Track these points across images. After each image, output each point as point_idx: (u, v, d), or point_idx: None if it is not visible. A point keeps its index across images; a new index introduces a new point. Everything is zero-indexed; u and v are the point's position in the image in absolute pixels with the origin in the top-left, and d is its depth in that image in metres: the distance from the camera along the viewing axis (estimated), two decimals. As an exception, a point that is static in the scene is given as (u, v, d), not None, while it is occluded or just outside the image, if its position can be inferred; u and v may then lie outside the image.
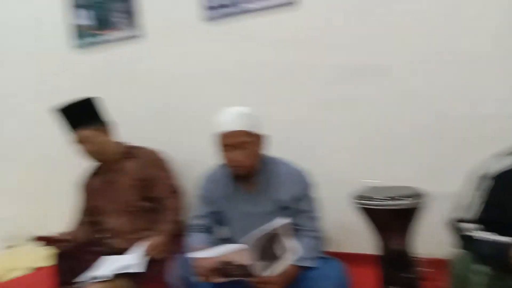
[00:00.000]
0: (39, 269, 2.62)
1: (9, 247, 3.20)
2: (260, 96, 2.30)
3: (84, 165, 2.27)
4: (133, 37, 2.67)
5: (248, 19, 2.33)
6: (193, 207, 1.88)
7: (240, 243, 1.47)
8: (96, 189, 2.22)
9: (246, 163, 1.64)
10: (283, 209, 1.65)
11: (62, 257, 2.11)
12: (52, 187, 3.14)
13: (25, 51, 3.16)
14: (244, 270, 1.41)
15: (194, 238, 1.73)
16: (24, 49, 3.17)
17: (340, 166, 2.20)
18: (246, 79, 2.37)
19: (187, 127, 2.57)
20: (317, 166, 1.92)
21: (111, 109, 2.31)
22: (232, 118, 1.62)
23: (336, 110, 2.19)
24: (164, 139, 2.54)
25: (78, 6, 2.85)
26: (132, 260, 1.91)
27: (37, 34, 3.08)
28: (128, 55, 2.71)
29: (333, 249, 1.99)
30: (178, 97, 2.58)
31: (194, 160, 2.47)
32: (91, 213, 2.24)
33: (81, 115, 2.10)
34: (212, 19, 2.41)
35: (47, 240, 2.03)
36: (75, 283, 2.00)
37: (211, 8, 2.40)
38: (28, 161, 3.27)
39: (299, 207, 1.67)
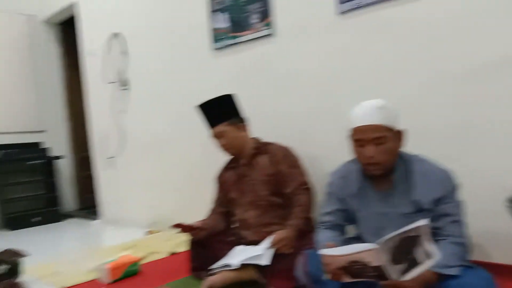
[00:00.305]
0: (176, 254, 2.82)
1: (152, 232, 3.53)
2: (398, 91, 2.16)
3: (221, 159, 2.40)
4: (268, 36, 2.72)
5: (382, 9, 2.21)
6: (322, 203, 1.83)
7: (371, 243, 1.37)
8: (230, 182, 2.32)
9: (381, 159, 1.53)
10: (422, 211, 1.52)
11: (196, 244, 2.24)
12: (193, 179, 3.37)
13: (171, 52, 3.47)
14: (376, 271, 1.32)
15: (322, 235, 1.69)
16: (171, 50, 3.47)
17: (492, 166, 1.94)
18: (382, 73, 2.24)
19: (319, 123, 2.53)
20: (463, 165, 1.74)
21: (246, 106, 2.40)
22: (367, 112, 1.54)
23: (486, 107, 1.94)
24: (295, 135, 2.56)
25: (215, 10, 3.02)
26: (260, 252, 1.95)
27: (182, 38, 3.35)
28: (263, 54, 2.79)
29: (481, 258, 1.79)
30: (311, 93, 2.56)
31: (325, 157, 2.44)
32: (225, 205, 2.35)
33: (219, 111, 2.23)
34: (345, 12, 2.34)
35: (183, 228, 2.17)
36: (206, 269, 2.11)
37: (345, 0, 2.33)
38: (172, 155, 3.57)
39: (441, 210, 1.51)
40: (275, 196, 2.20)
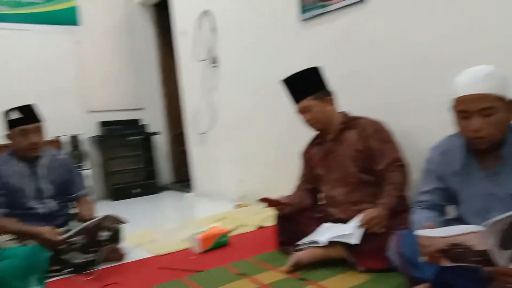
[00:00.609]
0: (264, 228, 2.84)
1: (240, 206, 3.60)
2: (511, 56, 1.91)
3: (307, 134, 2.33)
4: (359, 2, 2.56)
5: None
6: (418, 181, 1.69)
7: (474, 225, 1.23)
8: (316, 158, 2.25)
9: (489, 133, 1.36)
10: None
11: (283, 219, 2.23)
12: (280, 154, 3.37)
13: (257, 27, 3.44)
14: (480, 255, 1.18)
15: (419, 215, 1.56)
16: (257, 24, 3.45)
17: None
18: (492, 36, 1.99)
19: (416, 94, 2.33)
20: None
21: (334, 79, 2.30)
22: (473, 79, 1.36)
23: None
24: (387, 108, 2.40)
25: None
26: (349, 231, 1.87)
27: (269, 12, 3.30)
28: (353, 23, 2.64)
29: None
30: (406, 62, 2.37)
31: (422, 131, 2.26)
32: (311, 181, 2.30)
33: (303, 85, 2.15)
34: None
35: (269, 202, 2.16)
36: (293, 244, 2.09)
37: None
38: (260, 131, 3.59)
39: None
40: (364, 173, 2.10)
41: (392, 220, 1.88)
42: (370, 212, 1.90)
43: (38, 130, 2.31)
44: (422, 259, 1.28)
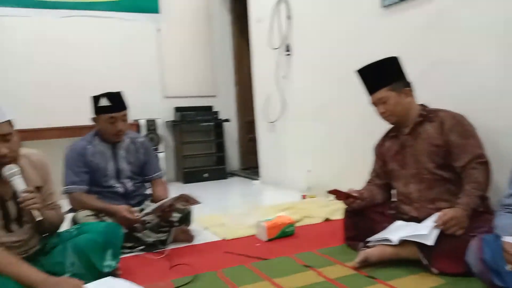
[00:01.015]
0: (330, 221, 2.79)
1: (307, 196, 3.57)
2: None
3: (382, 127, 2.24)
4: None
5: None
6: (503, 183, 1.55)
7: None
8: (391, 153, 2.15)
9: None
10: None
11: (352, 214, 2.16)
12: (351, 147, 3.28)
13: (334, 14, 3.35)
14: None
15: (505, 219, 1.44)
16: (334, 12, 3.35)
17: None
18: None
19: (509, 88, 2.14)
20: None
21: (414, 69, 2.17)
22: None
23: None
24: (473, 101, 2.23)
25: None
26: (424, 230, 1.77)
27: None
28: (439, 9, 2.47)
29: None
30: (500, 55, 2.17)
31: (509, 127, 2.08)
32: (384, 176, 2.20)
33: (378, 76, 2.05)
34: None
35: (339, 194, 2.10)
36: (361, 240, 2.03)
37: None
38: (331, 121, 3.51)
39: None
40: (442, 170, 1.97)
41: (472, 222, 1.75)
42: (448, 212, 1.78)
43: (124, 118, 2.44)
44: (508, 267, 1.18)
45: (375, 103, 2.07)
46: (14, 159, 1.63)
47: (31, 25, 4.50)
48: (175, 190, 2.72)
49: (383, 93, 2.02)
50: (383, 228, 2.00)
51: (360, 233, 2.09)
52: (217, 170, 5.25)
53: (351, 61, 3.06)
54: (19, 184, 1.61)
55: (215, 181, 5.11)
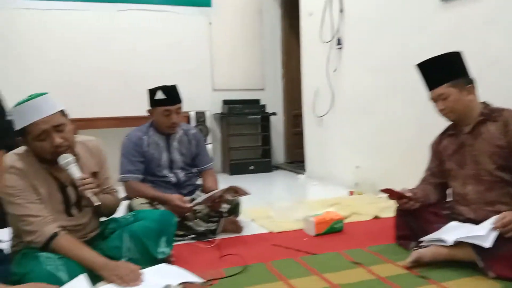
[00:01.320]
0: (380, 218, 2.75)
1: (354, 193, 3.53)
2: None
3: (438, 124, 2.17)
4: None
5: None
6: None
7: None
8: (448, 151, 2.08)
9: None
10: None
11: (404, 213, 2.12)
12: (403, 144, 3.21)
13: (388, 7, 3.27)
14: None
15: None
16: (389, 5, 3.27)
17: None
18: None
19: None
20: None
21: (475, 65, 2.09)
22: None
23: None
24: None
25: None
26: (481, 232, 1.72)
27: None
28: (491, 5, 2.36)
29: None
30: None
31: None
32: (440, 175, 2.14)
33: (440, 71, 1.98)
34: None
35: (391, 194, 2.07)
36: (413, 239, 1.99)
37: None
38: (383, 116, 3.45)
39: None
40: (503, 172, 1.89)
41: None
42: (509, 215, 1.71)
43: (178, 111, 2.51)
44: None
45: (435, 99, 2.01)
46: (69, 148, 1.70)
47: (89, 19, 4.69)
48: (222, 181, 2.76)
49: (444, 89, 1.95)
50: (436, 228, 1.95)
51: (412, 233, 2.06)
52: (262, 163, 5.29)
53: (406, 55, 3.00)
54: (75, 172, 1.69)
55: (260, 173, 5.15)
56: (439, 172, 2.13)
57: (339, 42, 3.90)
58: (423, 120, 2.66)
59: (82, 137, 1.88)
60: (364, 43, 3.60)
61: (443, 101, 1.96)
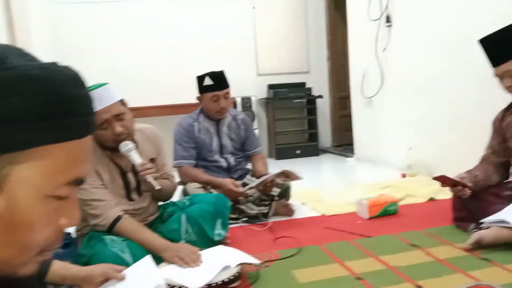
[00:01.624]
0: (435, 200, 2.68)
1: (406, 175, 3.44)
2: None
3: (498, 100, 2.07)
4: None
5: None
6: None
7: None
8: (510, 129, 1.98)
9: None
10: None
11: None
12: (459, 123, 3.08)
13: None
14: None
15: None
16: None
17: None
18: None
19: None
20: None
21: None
22: None
23: None
24: None
25: None
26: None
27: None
28: None
29: None
30: None
31: None
32: (502, 154, 2.05)
33: (506, 46, 1.88)
34: None
35: (444, 181, 2.00)
36: (472, 221, 1.93)
37: None
38: (437, 95, 3.31)
39: None
40: None
41: None
42: None
43: (227, 96, 2.54)
44: None
45: (501, 76, 1.90)
46: (129, 136, 1.77)
47: (137, 9, 4.81)
48: (270, 166, 2.77)
49: (511, 65, 1.85)
50: (497, 209, 1.87)
51: (471, 214, 1.99)
52: (309, 147, 5.26)
53: (461, 31, 2.86)
54: (135, 158, 1.76)
55: (307, 157, 5.13)
56: (502, 150, 2.04)
57: (388, 20, 3.77)
58: (482, 98, 2.54)
59: (140, 125, 1.94)
60: (416, 20, 3.47)
61: (511, 78, 1.86)
